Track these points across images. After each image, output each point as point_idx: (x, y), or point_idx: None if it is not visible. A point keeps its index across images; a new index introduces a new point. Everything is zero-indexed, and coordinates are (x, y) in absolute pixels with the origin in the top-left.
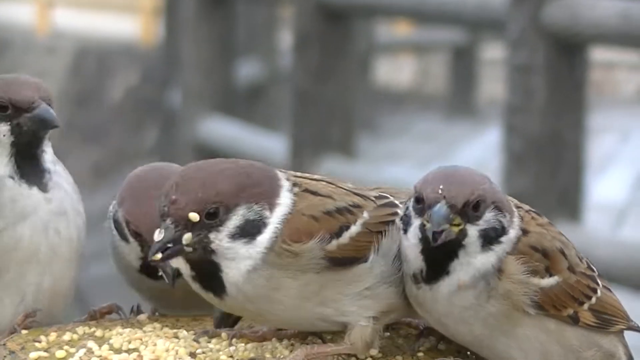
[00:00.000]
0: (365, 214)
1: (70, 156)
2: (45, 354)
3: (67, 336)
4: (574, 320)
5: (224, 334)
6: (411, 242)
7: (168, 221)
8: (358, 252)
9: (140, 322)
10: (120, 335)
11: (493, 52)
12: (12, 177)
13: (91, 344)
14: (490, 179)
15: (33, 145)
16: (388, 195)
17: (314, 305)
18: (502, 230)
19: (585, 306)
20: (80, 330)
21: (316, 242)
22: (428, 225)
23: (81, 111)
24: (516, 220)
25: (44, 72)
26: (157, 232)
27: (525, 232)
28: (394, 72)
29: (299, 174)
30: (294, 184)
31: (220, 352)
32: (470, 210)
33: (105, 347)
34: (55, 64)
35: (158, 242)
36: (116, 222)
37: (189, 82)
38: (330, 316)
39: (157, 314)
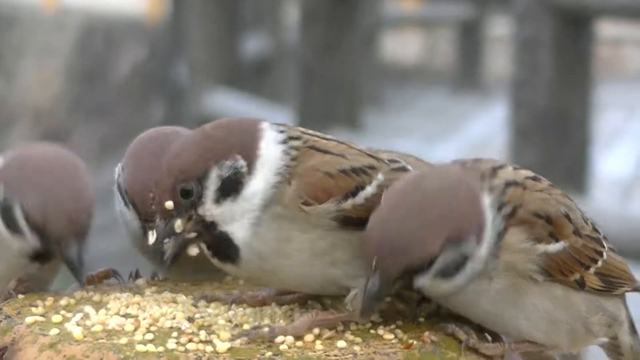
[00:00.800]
0: (380, 176)
1: (77, 131)
2: (41, 319)
3: (64, 301)
4: (580, 285)
5: (222, 299)
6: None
7: (156, 219)
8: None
9: (139, 286)
10: (117, 300)
11: (500, 28)
12: (22, 256)
13: (88, 308)
14: (456, 194)
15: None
16: (400, 160)
17: (323, 265)
18: (464, 259)
19: (592, 270)
20: (78, 295)
21: (332, 200)
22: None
23: (88, 87)
24: (488, 226)
25: (50, 48)
26: (150, 234)
27: (513, 212)
28: (401, 47)
29: (310, 131)
30: (292, 137)
31: (219, 317)
32: (410, 272)
33: (103, 311)
34: (62, 40)
35: (153, 243)
36: (119, 187)
37: (196, 57)
38: (339, 279)
39: (155, 278)
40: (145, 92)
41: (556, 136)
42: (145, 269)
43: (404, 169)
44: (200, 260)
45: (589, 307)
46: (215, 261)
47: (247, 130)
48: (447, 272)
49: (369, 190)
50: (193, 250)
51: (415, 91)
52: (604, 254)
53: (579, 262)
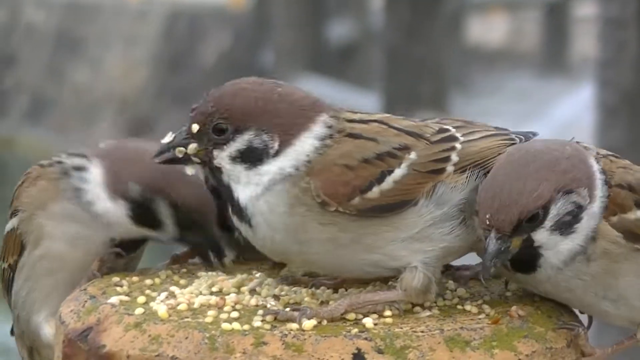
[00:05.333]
0: (413, 155)
1: (163, 120)
2: (126, 298)
3: (149, 280)
4: None
5: (303, 281)
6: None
7: (184, 128)
8: (406, 195)
9: (223, 266)
10: (203, 279)
11: (586, 8)
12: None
13: (173, 287)
14: (563, 155)
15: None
16: (449, 128)
17: (355, 252)
18: (579, 209)
19: None
20: (163, 274)
21: (355, 192)
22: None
23: (174, 75)
24: (598, 183)
25: (135, 37)
26: (168, 134)
27: (609, 184)
28: (486, 30)
29: (356, 116)
30: (333, 132)
31: (305, 294)
32: (525, 225)
33: (188, 290)
34: (147, 29)
35: (167, 143)
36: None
37: (281, 42)
38: (380, 261)
39: (240, 258)
40: (231, 79)
41: None
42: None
43: (448, 139)
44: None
45: None
46: (235, 220)
47: (302, 117)
48: (564, 225)
49: (398, 172)
50: (190, 170)
51: (501, 74)
52: None
53: None
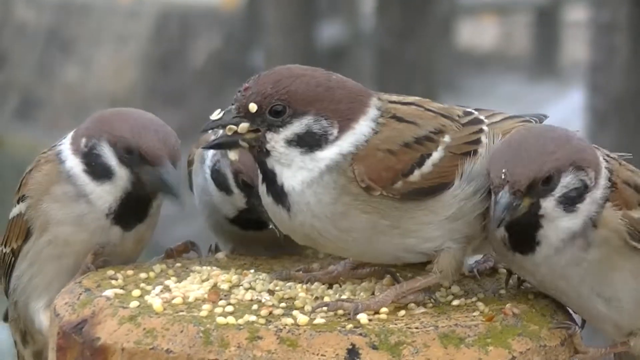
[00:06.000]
0: (447, 138)
1: None
2: (121, 291)
3: (143, 274)
4: None
5: (298, 277)
6: (490, 214)
7: (233, 107)
8: (444, 178)
9: (218, 260)
10: (198, 273)
11: (576, 13)
12: (105, 214)
13: (168, 281)
14: (575, 136)
15: (144, 199)
16: (473, 111)
17: (391, 237)
18: (584, 189)
19: None
20: (157, 268)
21: (398, 176)
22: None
23: (164, 75)
24: (603, 172)
25: (126, 36)
26: (217, 111)
27: (613, 182)
28: (477, 34)
29: (394, 98)
30: (383, 113)
31: (299, 290)
32: (539, 187)
33: (183, 284)
34: (138, 28)
35: (214, 121)
36: (217, 172)
37: (272, 43)
38: (415, 246)
39: (235, 253)
40: (221, 79)
41: (633, 119)
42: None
43: (475, 122)
44: (279, 245)
45: None
46: (268, 200)
47: (361, 101)
48: (569, 200)
49: (436, 155)
50: (233, 155)
51: (492, 78)
52: None
53: None
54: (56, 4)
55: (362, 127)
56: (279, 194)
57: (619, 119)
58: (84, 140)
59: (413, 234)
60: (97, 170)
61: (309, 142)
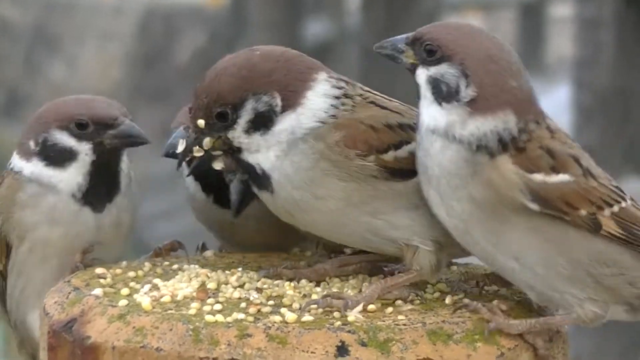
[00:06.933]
0: None
1: (138, 117)
2: (110, 290)
3: (132, 273)
4: (595, 225)
5: (285, 274)
6: None
7: (190, 131)
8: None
9: (206, 258)
10: (186, 271)
11: (561, 9)
12: (73, 196)
13: (157, 280)
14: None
15: (112, 164)
16: None
17: (361, 214)
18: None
19: (607, 212)
20: (146, 267)
21: (372, 152)
22: None
23: (149, 72)
24: (313, 98)
25: (111, 33)
26: (180, 142)
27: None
28: None
29: (378, 93)
30: (349, 95)
31: (287, 287)
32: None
33: (171, 282)
34: (122, 26)
35: (182, 151)
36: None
37: (257, 41)
38: (381, 229)
39: (223, 251)
40: None
41: (618, 116)
42: (211, 244)
43: None
44: (265, 234)
45: (596, 257)
46: (255, 189)
47: (300, 75)
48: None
49: (414, 146)
50: (218, 165)
51: None
52: (625, 203)
53: (589, 200)
54: (41, 2)
55: (315, 99)
56: (263, 181)
57: (605, 114)
58: (31, 142)
59: (382, 215)
60: (59, 157)
61: (263, 122)
